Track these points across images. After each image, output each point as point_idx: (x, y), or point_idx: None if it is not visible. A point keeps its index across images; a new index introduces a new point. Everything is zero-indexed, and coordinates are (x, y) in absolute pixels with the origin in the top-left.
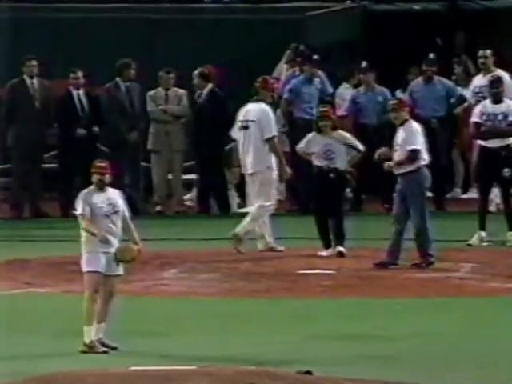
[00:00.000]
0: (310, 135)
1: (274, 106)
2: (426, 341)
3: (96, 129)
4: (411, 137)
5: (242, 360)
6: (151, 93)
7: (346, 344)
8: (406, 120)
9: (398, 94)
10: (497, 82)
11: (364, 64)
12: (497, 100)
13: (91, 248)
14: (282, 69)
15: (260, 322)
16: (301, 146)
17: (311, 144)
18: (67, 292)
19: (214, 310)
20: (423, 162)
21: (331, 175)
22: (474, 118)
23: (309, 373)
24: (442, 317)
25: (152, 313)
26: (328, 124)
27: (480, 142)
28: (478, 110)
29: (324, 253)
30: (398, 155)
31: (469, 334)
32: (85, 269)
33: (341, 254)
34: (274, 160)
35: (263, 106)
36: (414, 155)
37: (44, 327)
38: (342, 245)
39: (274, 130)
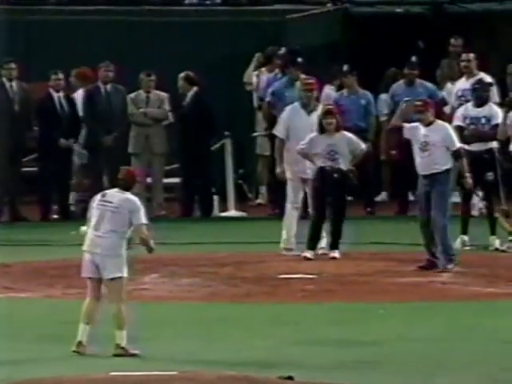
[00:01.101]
0: (312, 135)
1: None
2: (408, 345)
3: (73, 142)
4: (449, 137)
5: (222, 365)
6: (132, 95)
7: (328, 349)
8: (433, 120)
9: (383, 97)
10: (482, 85)
11: (345, 67)
12: (480, 103)
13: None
14: (251, 74)
15: (241, 327)
16: (302, 146)
17: (314, 144)
18: (48, 297)
19: (195, 315)
20: (451, 164)
21: (335, 175)
22: (457, 122)
23: (290, 378)
24: (425, 321)
25: (133, 318)
26: (333, 121)
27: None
28: (459, 113)
29: (308, 254)
30: (430, 155)
31: (451, 339)
32: None
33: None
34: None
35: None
36: (459, 153)
37: (25, 332)
38: (337, 248)
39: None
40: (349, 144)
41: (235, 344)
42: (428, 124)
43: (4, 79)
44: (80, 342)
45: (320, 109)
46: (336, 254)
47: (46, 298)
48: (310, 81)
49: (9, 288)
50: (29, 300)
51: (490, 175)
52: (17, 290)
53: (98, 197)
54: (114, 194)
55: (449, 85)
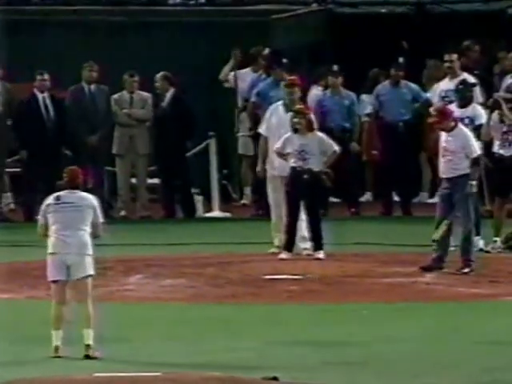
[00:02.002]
0: (286, 135)
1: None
2: (392, 346)
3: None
4: (468, 144)
5: (207, 366)
6: (116, 96)
7: (313, 349)
8: (453, 126)
9: (364, 97)
10: (465, 86)
11: (335, 67)
12: (464, 104)
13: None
14: (227, 72)
15: (226, 328)
16: (277, 146)
17: (287, 144)
18: (31, 298)
19: (180, 316)
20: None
21: (305, 176)
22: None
23: (275, 379)
24: (409, 322)
25: (116, 319)
26: (302, 121)
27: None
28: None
29: (284, 255)
30: (450, 160)
31: (436, 339)
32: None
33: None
34: None
35: None
36: (478, 161)
37: (7, 333)
38: (321, 249)
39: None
40: (320, 144)
41: (220, 345)
42: (449, 130)
43: None
44: (57, 347)
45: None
46: (321, 254)
47: (29, 298)
48: (291, 77)
49: None
50: (12, 301)
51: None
52: (0, 291)
53: (51, 201)
54: (68, 195)
55: (435, 86)
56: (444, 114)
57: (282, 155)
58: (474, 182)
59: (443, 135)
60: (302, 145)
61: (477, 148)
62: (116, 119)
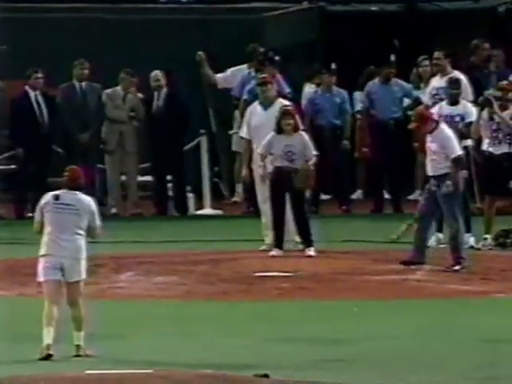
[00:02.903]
0: (269, 136)
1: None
2: (384, 343)
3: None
4: (447, 145)
5: (199, 363)
6: (109, 91)
7: (305, 347)
8: (434, 128)
9: (358, 95)
10: (455, 84)
11: (333, 66)
12: (454, 101)
13: None
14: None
15: (217, 325)
16: (261, 150)
17: (271, 145)
18: (21, 295)
19: (171, 313)
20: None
21: (293, 175)
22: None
23: (266, 376)
24: (400, 319)
25: (108, 316)
26: (291, 122)
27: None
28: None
29: (275, 252)
30: (434, 161)
31: (427, 336)
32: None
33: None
34: None
35: None
36: (458, 161)
37: None
38: (311, 246)
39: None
40: (303, 146)
41: (211, 342)
42: (431, 132)
43: None
44: (48, 345)
45: (278, 104)
46: (311, 251)
47: (19, 296)
48: (262, 75)
49: None
50: (2, 298)
51: (464, 173)
52: None
53: (50, 199)
54: (67, 196)
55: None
56: (423, 118)
57: (265, 157)
58: (449, 182)
59: (428, 136)
60: (288, 145)
61: (457, 148)
62: (106, 114)
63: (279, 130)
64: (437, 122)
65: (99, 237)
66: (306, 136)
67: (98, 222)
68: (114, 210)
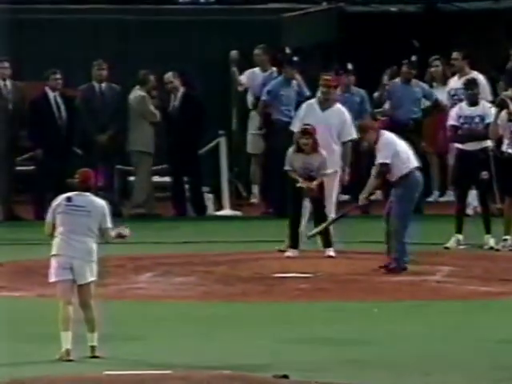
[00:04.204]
0: (289, 153)
1: None
2: (402, 344)
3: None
4: (380, 148)
5: (217, 364)
6: (144, 94)
7: (323, 347)
8: (377, 138)
9: (376, 96)
10: (472, 84)
11: (349, 66)
12: (473, 102)
13: None
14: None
15: (236, 326)
16: (286, 167)
17: (292, 161)
18: (41, 296)
19: (190, 314)
20: (411, 167)
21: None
22: (451, 121)
23: (285, 377)
24: (419, 320)
25: (127, 317)
26: (309, 142)
27: (457, 145)
28: (454, 112)
29: (290, 253)
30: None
31: (445, 338)
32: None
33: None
34: None
35: None
36: (381, 168)
37: (18, 332)
38: (330, 247)
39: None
40: (321, 166)
41: (230, 343)
42: (375, 142)
43: None
44: (68, 351)
45: (336, 108)
46: (331, 252)
47: (38, 297)
48: (327, 77)
49: (1, 287)
50: (22, 299)
51: (484, 174)
52: (10, 289)
53: (62, 201)
54: (79, 198)
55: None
56: (363, 129)
57: (292, 172)
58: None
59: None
60: (306, 163)
61: (385, 156)
62: (150, 118)
63: (298, 148)
64: (377, 132)
65: (112, 239)
66: (324, 155)
67: (109, 224)
68: (139, 210)
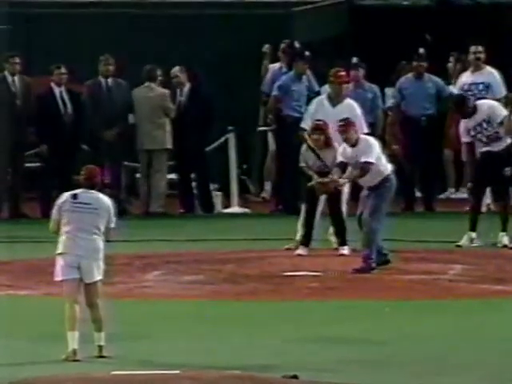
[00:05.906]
0: (302, 150)
1: None
2: (414, 344)
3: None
4: (365, 150)
5: (226, 363)
6: (166, 91)
7: (334, 347)
8: (357, 139)
9: (388, 91)
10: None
11: (354, 60)
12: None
13: None
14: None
15: (245, 325)
16: (301, 163)
17: (305, 158)
18: (48, 294)
19: (198, 313)
20: (390, 170)
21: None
22: (464, 139)
23: (295, 377)
24: (431, 319)
25: (134, 316)
26: (320, 138)
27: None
28: (462, 128)
29: (301, 251)
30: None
31: (458, 337)
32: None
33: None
34: None
35: None
36: (366, 167)
37: (24, 330)
38: (345, 245)
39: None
40: (335, 159)
41: (239, 342)
42: (353, 144)
43: (6, 73)
44: (74, 350)
45: (346, 103)
46: (345, 250)
47: (45, 295)
48: (340, 73)
49: (8, 285)
50: (29, 298)
51: (507, 170)
52: (16, 288)
53: (68, 198)
54: (85, 195)
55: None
56: (348, 124)
57: (308, 169)
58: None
59: (348, 150)
60: (320, 159)
61: (369, 156)
62: (171, 114)
63: (310, 146)
64: (356, 133)
65: (113, 238)
66: (336, 151)
67: (112, 223)
68: (160, 209)
